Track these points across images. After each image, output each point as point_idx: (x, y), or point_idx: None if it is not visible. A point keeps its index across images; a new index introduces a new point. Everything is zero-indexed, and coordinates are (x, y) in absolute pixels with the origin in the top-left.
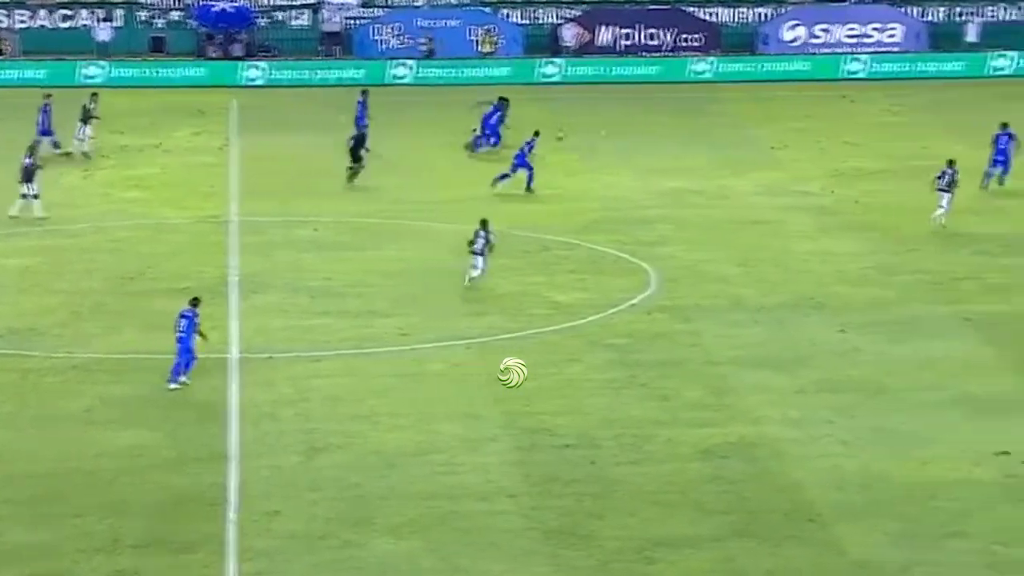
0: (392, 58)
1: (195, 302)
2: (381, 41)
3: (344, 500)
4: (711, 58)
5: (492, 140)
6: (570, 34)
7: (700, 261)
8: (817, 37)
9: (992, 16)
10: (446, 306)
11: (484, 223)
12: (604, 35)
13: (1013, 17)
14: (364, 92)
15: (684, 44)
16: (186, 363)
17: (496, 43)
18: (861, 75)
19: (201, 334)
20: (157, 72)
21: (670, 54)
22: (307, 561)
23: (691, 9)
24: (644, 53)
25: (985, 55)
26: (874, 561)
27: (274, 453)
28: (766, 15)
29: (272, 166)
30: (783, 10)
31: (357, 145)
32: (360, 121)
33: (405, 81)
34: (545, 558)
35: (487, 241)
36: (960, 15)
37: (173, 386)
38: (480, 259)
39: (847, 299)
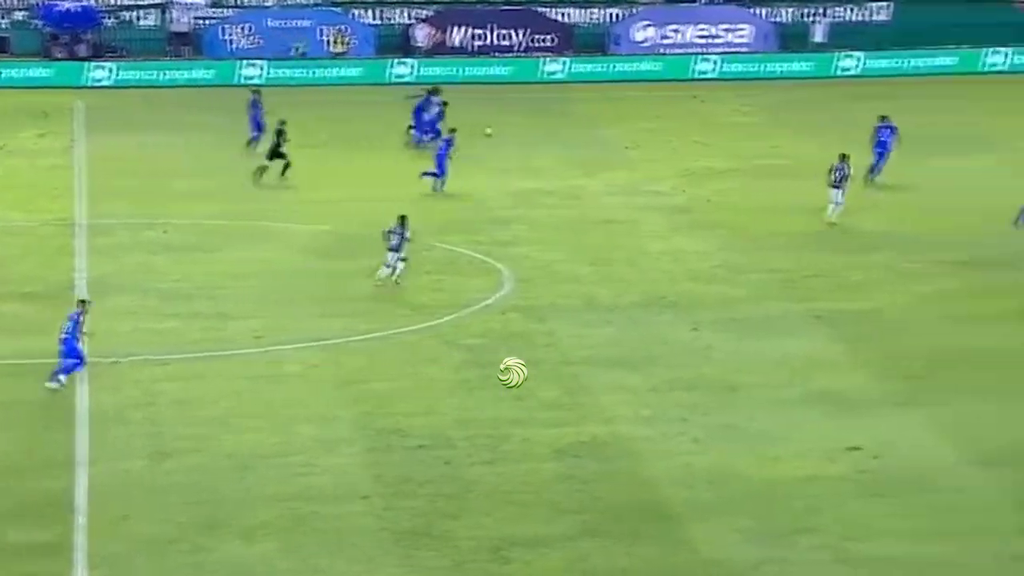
0: (242, 58)
1: (82, 304)
2: (231, 41)
3: (196, 503)
4: (563, 58)
5: (430, 135)
6: (422, 34)
7: (554, 261)
8: (668, 38)
9: (839, 17)
10: (300, 308)
11: (402, 219)
12: (456, 35)
13: (859, 18)
14: (256, 91)
15: (536, 44)
16: (73, 366)
17: (348, 43)
18: (711, 75)
19: (84, 335)
20: (0, 73)
21: (523, 54)
22: (158, 565)
23: (543, 10)
24: (496, 53)
25: (832, 55)
26: (725, 558)
27: (123, 457)
28: (617, 16)
29: (120, 167)
30: (634, 11)
31: (277, 144)
32: (256, 121)
33: (255, 81)
34: (399, 559)
35: (403, 238)
36: (807, 16)
37: (51, 384)
38: (393, 256)
39: (699, 298)
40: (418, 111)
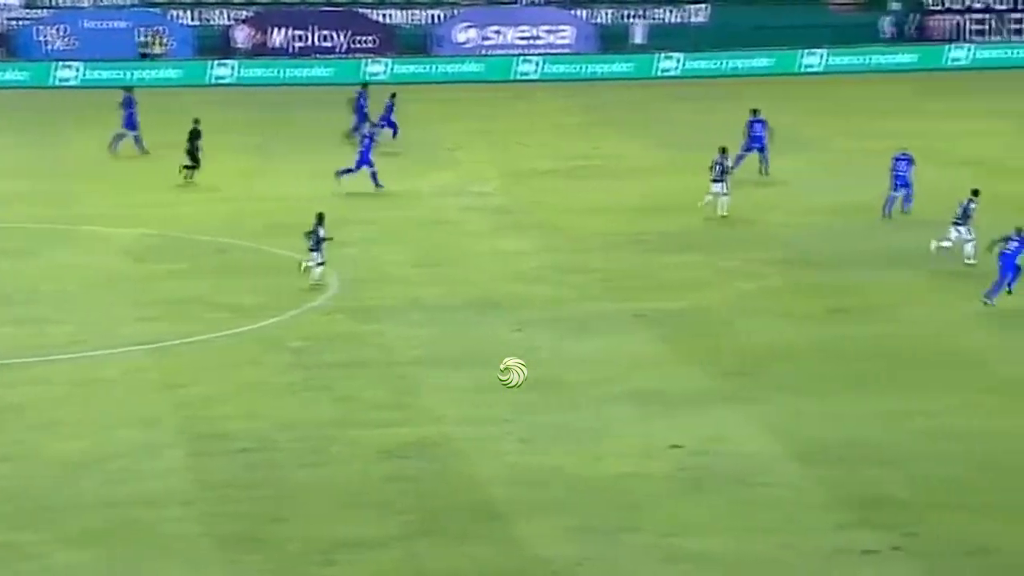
0: (57, 60)
1: None
2: (46, 42)
3: (17, 512)
4: (385, 60)
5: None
6: (242, 36)
7: (381, 262)
8: (489, 39)
9: (658, 19)
10: (121, 311)
11: (320, 217)
12: (277, 36)
13: (678, 20)
14: (129, 89)
15: (358, 46)
16: None
17: (165, 45)
18: (533, 76)
19: None
20: None
21: (344, 56)
22: None
23: (364, 11)
24: (318, 55)
25: (652, 56)
26: (551, 556)
27: None
28: (439, 17)
29: None
30: (455, 12)
31: (193, 144)
32: (130, 120)
33: (71, 83)
34: (223, 564)
35: (319, 238)
36: (627, 17)
37: None
38: (314, 255)
39: (523, 298)
40: (359, 108)
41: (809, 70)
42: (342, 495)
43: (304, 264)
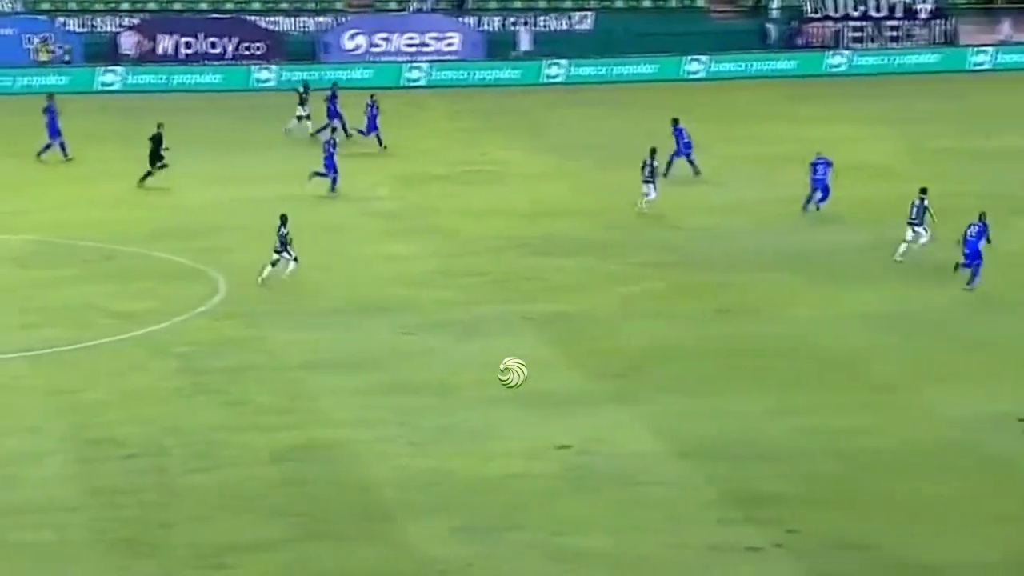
0: None
1: None
2: None
3: None
4: (274, 66)
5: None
6: (130, 42)
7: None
8: (377, 46)
9: (544, 26)
10: (6, 319)
11: (283, 218)
12: (165, 43)
13: (563, 27)
14: (50, 96)
15: (246, 52)
16: None
17: (52, 51)
18: (422, 83)
19: None
20: None
21: (232, 62)
22: None
23: (253, 18)
24: (206, 61)
25: (539, 63)
26: (440, 557)
27: None
28: (327, 24)
29: None
30: (344, 19)
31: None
32: (53, 127)
33: None
34: (113, 570)
35: (284, 237)
36: (513, 25)
37: None
38: (281, 255)
39: (414, 301)
40: (331, 109)
41: (692, 76)
42: (231, 499)
43: (265, 270)
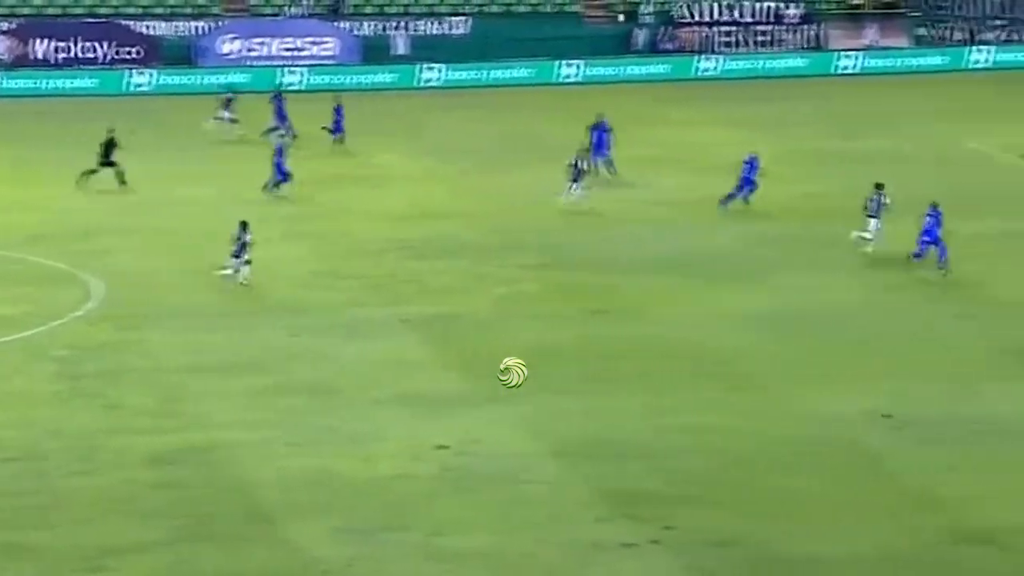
0: None
1: None
2: None
3: None
4: (150, 71)
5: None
6: (3, 47)
7: (148, 270)
8: (254, 50)
9: (420, 30)
10: None
11: (243, 224)
12: (39, 48)
13: (439, 31)
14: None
15: (122, 57)
16: None
17: None
18: (298, 87)
19: None
20: None
21: (107, 67)
22: None
23: (128, 23)
24: (81, 66)
25: (415, 67)
26: (321, 557)
27: None
28: (203, 28)
29: None
30: (219, 24)
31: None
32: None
33: None
34: None
35: (244, 243)
36: (389, 29)
37: None
38: (235, 260)
39: (296, 303)
40: (279, 112)
41: (567, 80)
42: (111, 502)
43: (222, 273)
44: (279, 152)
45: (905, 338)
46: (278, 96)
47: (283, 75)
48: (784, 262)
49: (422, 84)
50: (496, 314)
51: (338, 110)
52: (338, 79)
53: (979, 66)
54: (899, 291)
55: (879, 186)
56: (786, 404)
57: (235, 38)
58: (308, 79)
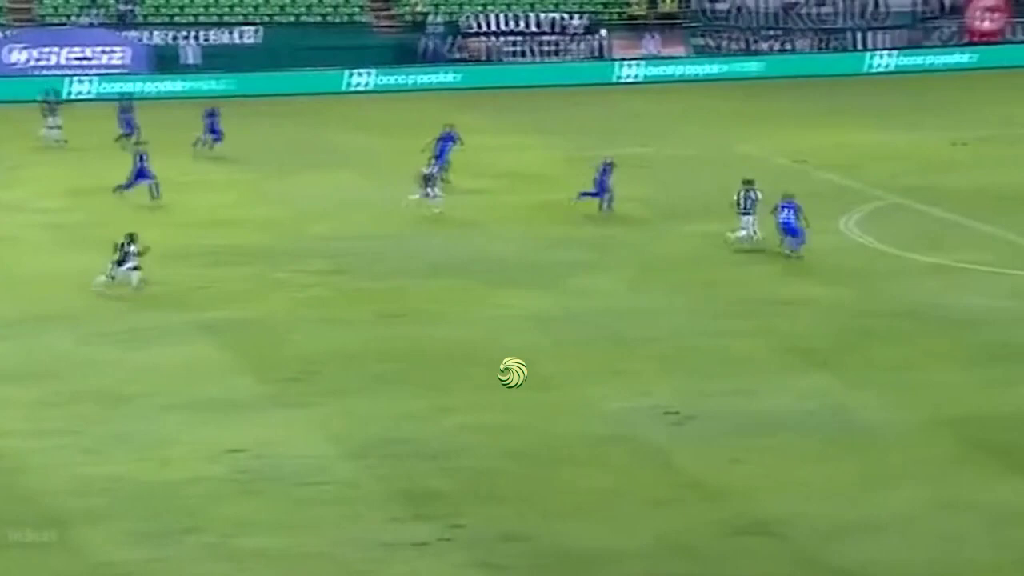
0: None
1: None
2: None
3: None
4: None
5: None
6: None
7: None
8: (42, 60)
9: (210, 40)
10: None
11: (130, 236)
12: None
13: (230, 40)
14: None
15: None
16: None
17: None
18: (87, 96)
19: None
20: None
21: None
22: None
23: None
24: None
25: (206, 76)
26: (117, 560)
27: None
28: None
29: None
30: (6, 33)
31: None
32: (129, 122)
33: None
34: None
35: (127, 253)
36: (179, 39)
37: None
38: (118, 268)
39: (87, 311)
40: (126, 120)
41: (359, 89)
42: None
43: (102, 279)
44: (141, 158)
45: (689, 336)
46: (212, 112)
47: (72, 84)
48: (576, 264)
49: (208, 93)
50: (288, 319)
51: (212, 113)
52: (128, 88)
53: (753, 74)
54: (684, 292)
55: (748, 182)
56: (574, 402)
57: (24, 48)
58: (99, 87)
